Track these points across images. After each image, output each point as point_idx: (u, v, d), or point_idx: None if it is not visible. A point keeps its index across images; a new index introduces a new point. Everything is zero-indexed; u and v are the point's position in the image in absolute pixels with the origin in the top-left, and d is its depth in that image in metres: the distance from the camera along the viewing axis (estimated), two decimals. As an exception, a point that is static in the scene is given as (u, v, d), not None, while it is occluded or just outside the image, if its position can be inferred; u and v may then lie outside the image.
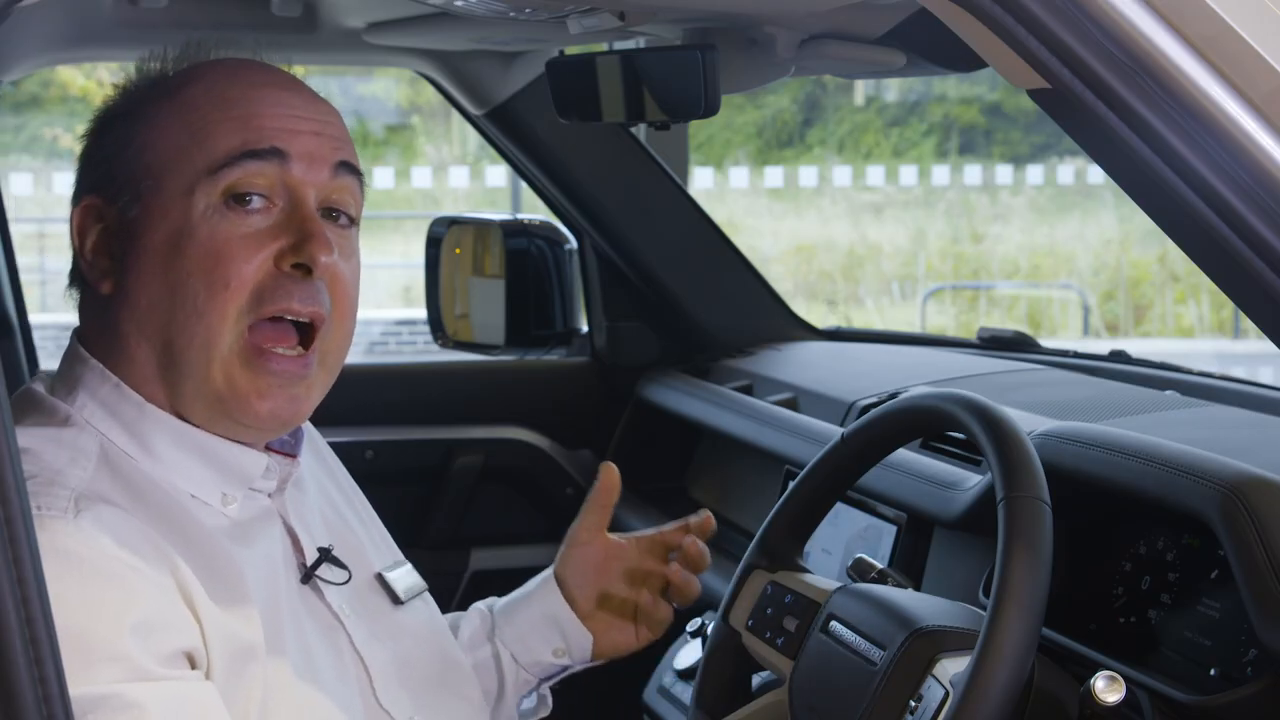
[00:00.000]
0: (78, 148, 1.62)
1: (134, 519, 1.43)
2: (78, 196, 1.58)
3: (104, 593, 1.36)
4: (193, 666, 1.41)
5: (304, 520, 1.64)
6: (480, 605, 1.93)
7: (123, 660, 1.34)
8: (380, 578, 1.70)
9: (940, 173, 20.18)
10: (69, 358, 1.58)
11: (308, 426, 1.71)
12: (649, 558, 1.89)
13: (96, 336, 1.56)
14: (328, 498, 1.74)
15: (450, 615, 1.88)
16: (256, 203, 1.51)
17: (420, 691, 1.66)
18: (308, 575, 1.60)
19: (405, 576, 1.74)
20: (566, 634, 1.87)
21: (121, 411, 1.52)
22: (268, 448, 1.60)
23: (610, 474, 1.88)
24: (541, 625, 1.87)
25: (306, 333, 1.54)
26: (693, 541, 1.86)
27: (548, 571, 1.91)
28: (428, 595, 1.77)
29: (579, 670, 1.92)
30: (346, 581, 1.63)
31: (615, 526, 1.93)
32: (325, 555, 1.62)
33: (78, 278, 1.59)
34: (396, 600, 1.70)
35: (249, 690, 1.46)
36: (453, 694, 1.72)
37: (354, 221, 1.60)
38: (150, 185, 1.52)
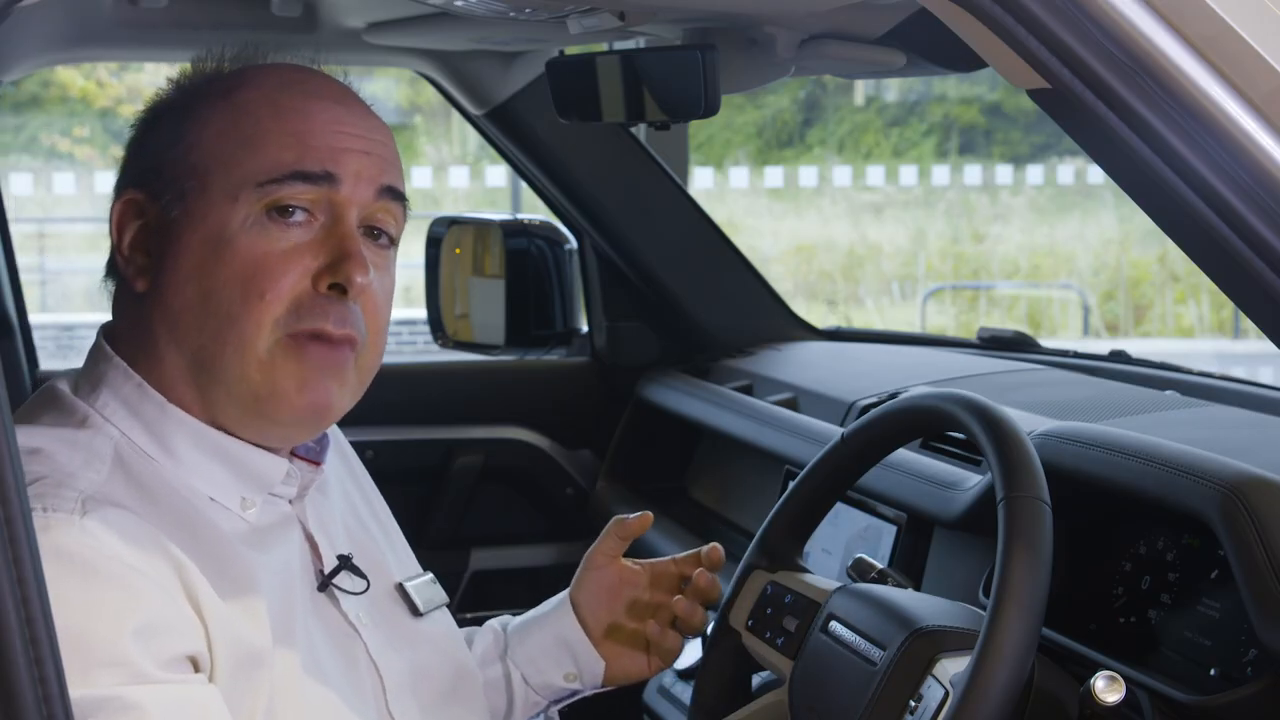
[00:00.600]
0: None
1: (143, 522, 1.42)
2: (120, 188, 1.57)
3: (105, 594, 1.35)
4: (196, 670, 1.40)
5: (325, 527, 1.63)
6: (494, 623, 1.92)
7: (123, 664, 1.33)
8: (401, 588, 1.69)
9: (940, 173, 20.17)
10: (94, 355, 1.56)
11: (334, 431, 1.70)
12: (658, 589, 1.88)
13: (126, 333, 1.55)
14: (351, 504, 1.72)
15: (465, 630, 1.87)
16: (299, 216, 1.50)
17: (430, 702, 1.65)
18: (324, 583, 1.59)
19: (426, 588, 1.72)
20: (578, 658, 1.85)
21: (143, 411, 1.51)
22: (293, 454, 1.59)
23: (645, 519, 1.88)
24: (553, 648, 1.86)
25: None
26: (703, 573, 1.85)
27: (563, 594, 1.89)
28: (446, 608, 1.76)
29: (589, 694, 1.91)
30: (364, 591, 1.62)
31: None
32: (344, 563, 1.61)
33: (114, 271, 1.57)
34: (416, 612, 1.69)
35: (255, 695, 1.45)
36: (463, 707, 1.71)
37: (394, 242, 1.59)
38: (194, 186, 1.51)
